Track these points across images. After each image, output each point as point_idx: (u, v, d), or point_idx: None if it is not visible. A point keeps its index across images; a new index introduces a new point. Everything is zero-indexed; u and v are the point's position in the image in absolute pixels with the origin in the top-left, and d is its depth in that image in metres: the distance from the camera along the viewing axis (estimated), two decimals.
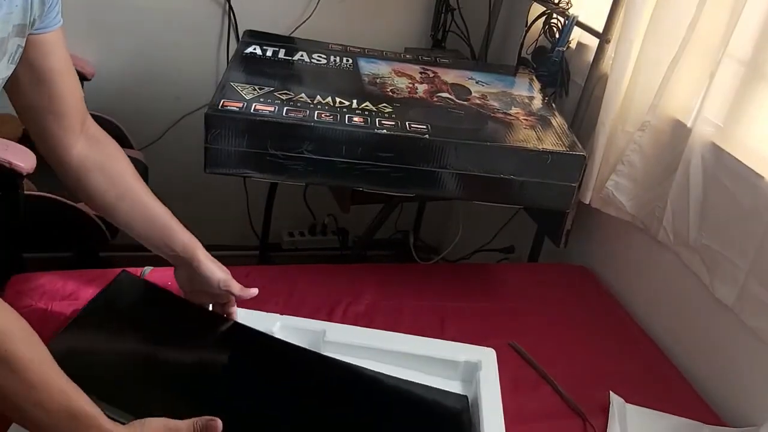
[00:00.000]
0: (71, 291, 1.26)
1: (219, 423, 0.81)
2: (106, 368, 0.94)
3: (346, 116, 1.37)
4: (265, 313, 1.17)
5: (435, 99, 1.56)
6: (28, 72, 0.87)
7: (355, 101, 1.45)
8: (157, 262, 1.35)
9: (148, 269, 1.28)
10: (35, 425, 0.74)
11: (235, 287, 1.06)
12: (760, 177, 1.23)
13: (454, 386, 1.13)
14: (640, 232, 1.55)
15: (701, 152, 1.35)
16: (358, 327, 1.21)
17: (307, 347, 1.12)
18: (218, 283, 1.05)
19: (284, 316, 1.17)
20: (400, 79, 1.64)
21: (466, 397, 1.09)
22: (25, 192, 1.53)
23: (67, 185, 1.01)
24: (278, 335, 1.13)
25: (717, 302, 1.32)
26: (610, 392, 1.24)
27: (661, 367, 1.39)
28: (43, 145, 0.97)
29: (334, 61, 1.69)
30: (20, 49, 0.81)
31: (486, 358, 1.15)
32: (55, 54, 0.89)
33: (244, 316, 1.13)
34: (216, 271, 1.05)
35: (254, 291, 1.08)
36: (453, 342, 1.19)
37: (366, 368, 1.09)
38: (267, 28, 1.85)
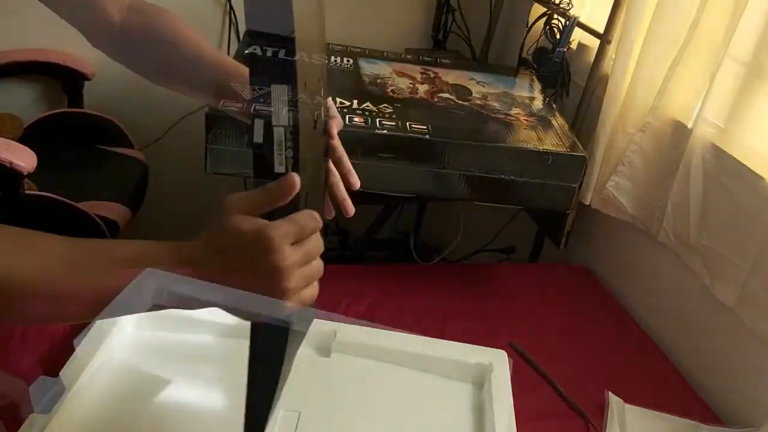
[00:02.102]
0: None
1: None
2: None
3: (347, 116, 1.37)
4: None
5: (436, 99, 1.56)
6: None
7: (355, 101, 1.45)
8: None
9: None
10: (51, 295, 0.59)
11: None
12: (760, 178, 1.23)
13: (464, 388, 1.13)
14: (641, 232, 1.55)
15: (702, 153, 1.35)
16: (369, 327, 1.21)
17: (316, 347, 1.13)
18: None
19: None
20: (401, 79, 1.64)
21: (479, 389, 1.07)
22: (26, 192, 1.53)
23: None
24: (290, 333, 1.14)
25: (717, 303, 1.32)
26: (609, 392, 1.24)
27: (661, 367, 1.39)
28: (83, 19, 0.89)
29: (335, 61, 1.69)
30: None
31: (498, 360, 1.14)
32: None
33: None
34: None
35: None
36: (464, 344, 1.18)
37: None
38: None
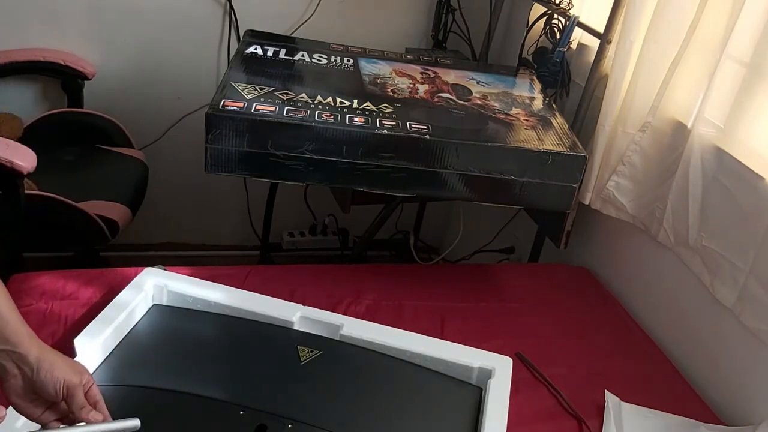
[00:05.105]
0: (71, 291, 1.26)
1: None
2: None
3: (347, 116, 1.37)
4: (286, 302, 1.21)
5: (436, 99, 1.56)
6: None
7: (356, 101, 1.45)
8: (165, 260, 1.36)
9: (160, 267, 1.28)
10: None
11: (78, 400, 0.76)
12: (760, 178, 1.23)
13: (465, 389, 1.13)
14: (641, 233, 1.55)
15: (701, 153, 1.35)
16: (375, 323, 1.21)
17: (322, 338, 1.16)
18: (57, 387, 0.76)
19: (305, 306, 1.20)
20: (401, 79, 1.64)
21: (480, 389, 1.12)
22: (26, 191, 1.53)
23: None
24: (297, 325, 1.18)
25: (717, 303, 1.32)
26: (606, 391, 1.24)
27: (661, 367, 1.39)
28: None
29: (335, 61, 1.69)
30: None
31: (500, 366, 1.14)
32: None
33: (265, 303, 1.18)
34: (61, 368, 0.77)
35: (99, 417, 0.78)
36: (471, 347, 1.19)
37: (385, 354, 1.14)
38: (268, 28, 1.85)
